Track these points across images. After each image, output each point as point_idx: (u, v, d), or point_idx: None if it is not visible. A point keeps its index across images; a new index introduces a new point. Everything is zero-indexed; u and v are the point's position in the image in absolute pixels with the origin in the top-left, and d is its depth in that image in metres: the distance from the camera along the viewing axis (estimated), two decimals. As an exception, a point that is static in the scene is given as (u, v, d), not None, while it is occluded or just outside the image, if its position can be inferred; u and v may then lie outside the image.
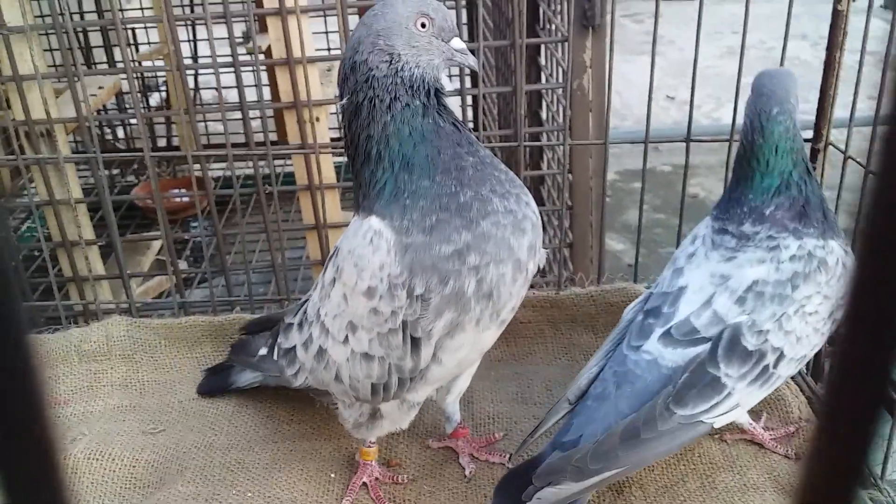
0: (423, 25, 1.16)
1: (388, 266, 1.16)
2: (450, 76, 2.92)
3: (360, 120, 1.19)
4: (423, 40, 1.16)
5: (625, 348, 1.32)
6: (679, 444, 1.26)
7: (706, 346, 1.26)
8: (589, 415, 1.27)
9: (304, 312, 1.40)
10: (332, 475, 1.47)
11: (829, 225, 1.34)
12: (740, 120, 1.74)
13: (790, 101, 1.33)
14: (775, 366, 1.27)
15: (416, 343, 1.20)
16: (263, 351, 1.54)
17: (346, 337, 1.27)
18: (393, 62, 1.16)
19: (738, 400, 1.26)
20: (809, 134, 1.76)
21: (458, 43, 1.20)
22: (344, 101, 1.21)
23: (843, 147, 1.63)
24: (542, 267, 1.32)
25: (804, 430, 1.48)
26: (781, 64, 1.67)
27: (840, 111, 1.72)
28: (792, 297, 1.28)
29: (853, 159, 1.58)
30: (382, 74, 1.16)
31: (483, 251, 1.16)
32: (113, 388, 1.74)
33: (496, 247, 1.17)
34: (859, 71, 1.55)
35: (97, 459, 1.50)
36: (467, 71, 1.92)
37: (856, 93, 1.57)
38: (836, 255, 1.32)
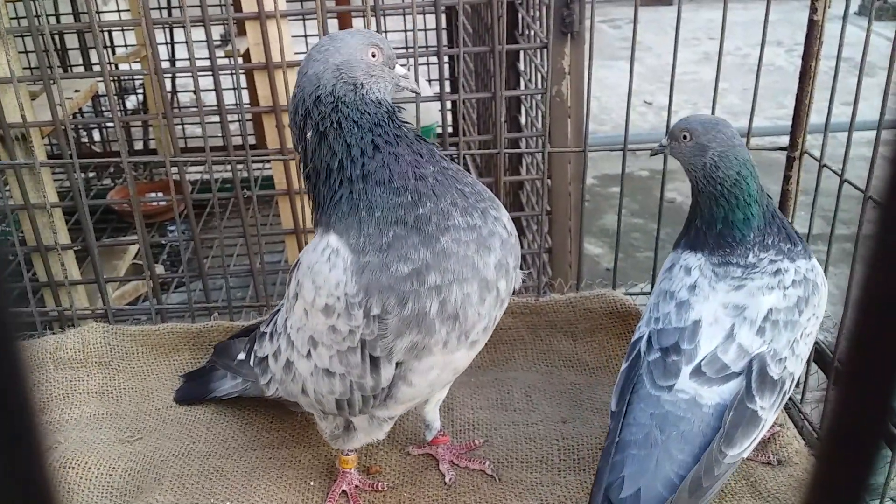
0: (374, 55, 1.22)
1: (344, 285, 1.15)
2: (429, 81, 2.92)
3: (325, 144, 1.19)
4: (377, 69, 1.22)
5: (651, 388, 1.28)
6: (723, 483, 1.25)
7: (740, 380, 1.26)
8: (640, 465, 1.21)
9: (275, 323, 1.40)
10: (312, 483, 1.47)
11: (804, 244, 1.39)
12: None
13: (736, 134, 1.38)
14: (789, 390, 1.29)
15: (375, 362, 1.19)
16: (242, 356, 1.54)
17: (309, 351, 1.27)
18: (357, 90, 1.20)
19: (765, 430, 1.27)
20: (785, 141, 1.78)
21: (400, 69, 1.29)
22: (309, 135, 1.21)
23: (818, 154, 1.65)
24: (516, 289, 1.30)
25: (780, 434, 1.50)
26: (758, 69, 1.69)
27: (815, 116, 1.73)
28: (799, 321, 1.30)
29: (828, 167, 1.60)
30: (350, 100, 1.20)
31: (444, 270, 1.13)
32: (89, 396, 1.72)
33: (458, 265, 1.14)
34: (835, 78, 1.57)
35: (73, 468, 1.48)
36: (447, 76, 1.93)
37: (831, 100, 1.59)
38: (820, 275, 1.36)
